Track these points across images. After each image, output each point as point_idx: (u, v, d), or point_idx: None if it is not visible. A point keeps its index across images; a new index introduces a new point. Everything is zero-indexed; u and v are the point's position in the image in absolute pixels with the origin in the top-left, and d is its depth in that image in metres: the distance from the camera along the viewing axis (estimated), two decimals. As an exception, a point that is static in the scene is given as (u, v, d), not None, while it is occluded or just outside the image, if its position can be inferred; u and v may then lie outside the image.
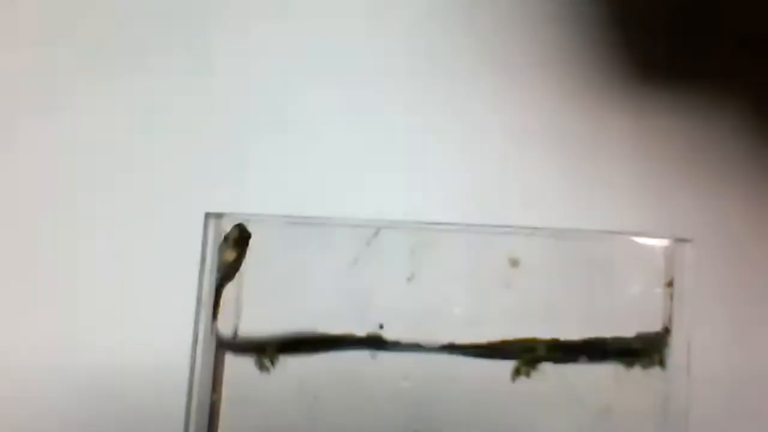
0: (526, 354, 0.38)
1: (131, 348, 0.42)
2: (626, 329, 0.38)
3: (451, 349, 0.39)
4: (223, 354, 0.41)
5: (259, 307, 0.41)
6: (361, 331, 0.40)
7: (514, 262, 0.39)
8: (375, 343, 0.40)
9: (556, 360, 0.38)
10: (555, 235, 0.39)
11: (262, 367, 0.41)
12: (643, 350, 0.37)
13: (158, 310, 0.43)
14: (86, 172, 0.44)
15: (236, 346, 0.41)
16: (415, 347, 0.39)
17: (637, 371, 0.38)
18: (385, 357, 0.39)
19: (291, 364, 0.41)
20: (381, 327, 0.40)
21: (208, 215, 0.42)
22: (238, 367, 0.41)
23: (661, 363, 0.37)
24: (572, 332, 0.38)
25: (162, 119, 0.44)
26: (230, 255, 0.42)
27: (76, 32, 0.44)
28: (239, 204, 0.42)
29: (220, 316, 0.41)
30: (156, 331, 0.42)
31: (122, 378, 0.42)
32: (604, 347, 0.38)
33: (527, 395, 0.38)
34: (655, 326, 0.38)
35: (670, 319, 0.37)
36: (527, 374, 0.38)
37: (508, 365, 0.38)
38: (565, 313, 0.39)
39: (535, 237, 0.39)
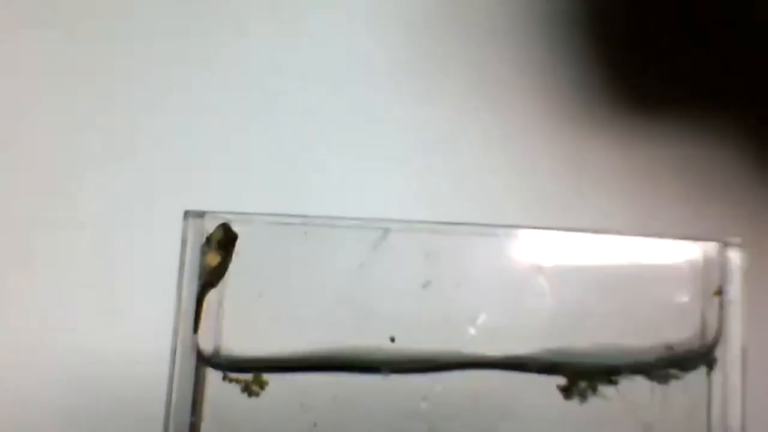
0: (572, 372, 0.34)
1: (107, 360, 0.36)
2: (667, 341, 0.34)
3: (475, 364, 0.34)
4: (204, 371, 0.35)
5: (247, 319, 0.36)
6: (369, 347, 0.35)
7: (541, 267, 0.35)
8: (386, 359, 0.35)
9: (603, 380, 0.34)
10: (588, 238, 0.35)
11: (250, 392, 0.35)
12: (689, 365, 0.33)
13: (135, 319, 0.37)
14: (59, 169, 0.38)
15: (220, 364, 0.35)
16: (433, 363, 0.34)
17: (681, 387, 0.34)
18: (398, 375, 0.34)
19: (285, 385, 0.35)
20: (392, 341, 0.35)
21: (187, 213, 0.36)
22: (221, 385, 0.35)
23: (709, 376, 0.33)
24: (608, 344, 0.34)
25: (139, 110, 0.39)
26: (213, 259, 0.36)
27: (66, 29, 0.40)
28: (223, 201, 0.37)
29: (201, 328, 0.36)
30: (134, 343, 0.37)
31: (99, 391, 0.36)
32: (646, 364, 0.34)
33: (565, 416, 0.34)
34: (699, 337, 0.34)
35: (720, 329, 0.33)
36: (583, 396, 0.33)
37: (540, 381, 0.34)
38: (600, 324, 0.34)
39: (565, 239, 0.35)
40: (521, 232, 0.35)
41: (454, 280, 0.35)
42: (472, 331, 0.34)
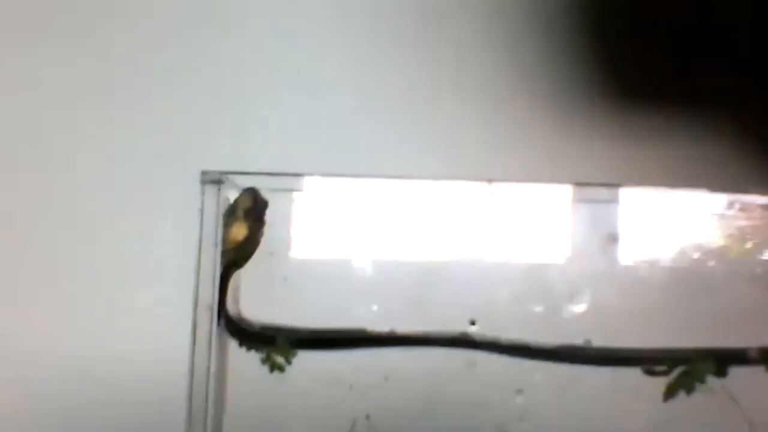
0: (677, 366, 0.28)
1: (126, 350, 0.29)
2: None
3: (573, 353, 0.28)
4: (226, 365, 0.29)
5: (283, 298, 0.29)
6: (445, 331, 0.28)
7: (655, 236, 0.29)
8: (465, 344, 0.28)
9: (717, 372, 0.28)
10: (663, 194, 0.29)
11: (273, 365, 0.28)
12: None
13: (154, 301, 0.30)
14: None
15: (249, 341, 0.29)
16: (524, 350, 0.28)
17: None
18: (483, 363, 0.28)
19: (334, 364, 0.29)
20: (473, 324, 0.28)
21: (205, 176, 0.29)
22: (251, 378, 0.29)
23: None
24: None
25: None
26: (240, 231, 0.29)
27: None
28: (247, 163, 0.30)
29: (226, 310, 0.29)
30: (154, 330, 0.29)
31: (117, 376, 0.29)
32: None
33: (668, 413, 0.28)
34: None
35: None
36: (688, 391, 0.28)
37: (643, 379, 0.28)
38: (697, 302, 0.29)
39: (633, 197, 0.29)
40: (626, 191, 0.29)
41: (549, 250, 0.29)
42: (567, 312, 0.28)
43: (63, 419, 0.29)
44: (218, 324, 0.28)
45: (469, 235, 0.29)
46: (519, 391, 0.28)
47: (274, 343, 0.29)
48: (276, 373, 0.29)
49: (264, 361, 0.29)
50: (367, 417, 0.28)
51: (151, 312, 0.29)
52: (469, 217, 0.29)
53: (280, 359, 0.29)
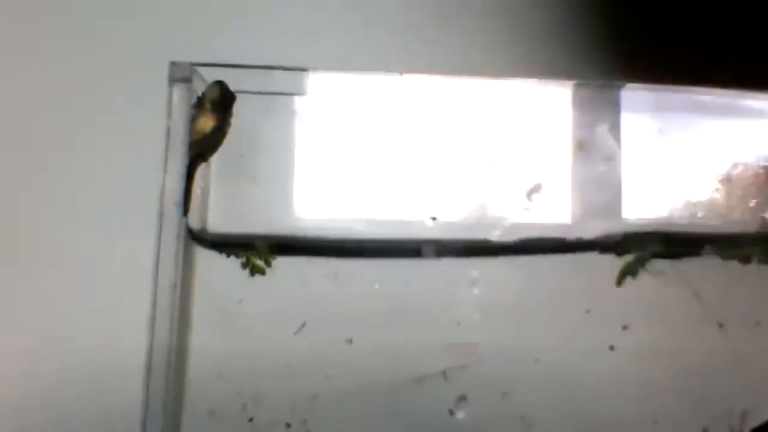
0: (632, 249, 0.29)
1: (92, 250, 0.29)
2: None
3: (527, 247, 0.29)
4: (192, 258, 0.29)
5: (243, 196, 0.30)
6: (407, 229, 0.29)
7: (609, 126, 0.30)
8: (428, 239, 0.29)
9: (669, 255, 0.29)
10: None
11: (253, 269, 0.29)
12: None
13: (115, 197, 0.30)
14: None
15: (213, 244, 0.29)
16: (484, 246, 0.29)
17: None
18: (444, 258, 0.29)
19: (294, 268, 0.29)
20: (433, 219, 0.29)
21: (174, 67, 0.29)
22: (217, 272, 0.29)
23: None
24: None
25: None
26: (206, 123, 0.30)
27: None
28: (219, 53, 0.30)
29: (192, 208, 0.29)
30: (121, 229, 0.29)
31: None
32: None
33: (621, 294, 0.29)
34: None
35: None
36: (633, 275, 0.29)
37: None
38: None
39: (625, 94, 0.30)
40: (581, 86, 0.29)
41: (508, 140, 0.29)
42: (520, 208, 0.29)
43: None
44: (184, 213, 0.29)
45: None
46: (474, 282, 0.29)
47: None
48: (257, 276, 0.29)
49: (244, 266, 0.29)
50: (350, 341, 0.29)
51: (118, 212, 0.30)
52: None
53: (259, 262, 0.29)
